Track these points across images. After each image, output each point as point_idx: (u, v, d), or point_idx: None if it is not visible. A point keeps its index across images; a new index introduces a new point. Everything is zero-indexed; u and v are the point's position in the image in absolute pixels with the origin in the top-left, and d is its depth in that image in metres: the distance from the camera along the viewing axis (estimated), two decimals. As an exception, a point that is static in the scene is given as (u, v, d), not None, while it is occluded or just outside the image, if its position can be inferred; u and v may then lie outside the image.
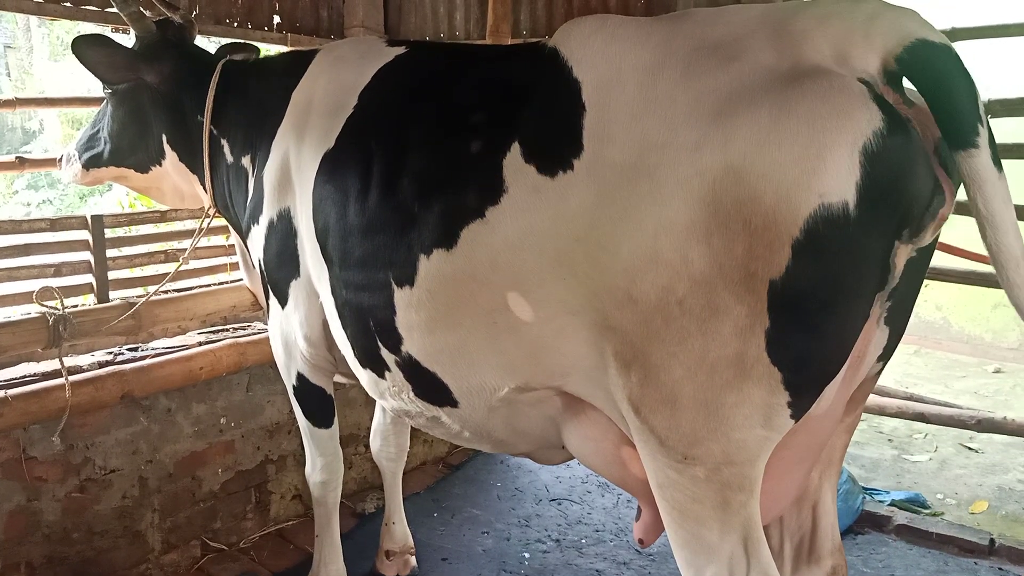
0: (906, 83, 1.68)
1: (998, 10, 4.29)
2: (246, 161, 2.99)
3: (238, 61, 3.23)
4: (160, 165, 3.26)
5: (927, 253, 1.87)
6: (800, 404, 1.76)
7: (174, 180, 3.30)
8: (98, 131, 3.30)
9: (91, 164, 3.33)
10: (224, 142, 3.07)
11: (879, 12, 1.67)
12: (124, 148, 3.26)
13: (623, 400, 1.89)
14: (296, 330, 2.83)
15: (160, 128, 3.19)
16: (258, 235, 2.85)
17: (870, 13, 1.67)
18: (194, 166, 3.21)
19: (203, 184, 3.20)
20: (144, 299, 3.58)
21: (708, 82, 1.73)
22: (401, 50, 2.63)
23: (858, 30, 1.66)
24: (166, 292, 3.97)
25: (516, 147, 1.98)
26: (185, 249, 4.16)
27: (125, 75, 3.10)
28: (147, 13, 3.14)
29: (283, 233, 2.71)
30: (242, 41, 3.65)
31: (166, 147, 3.22)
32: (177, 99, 3.13)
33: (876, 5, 1.70)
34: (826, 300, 1.66)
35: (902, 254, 1.72)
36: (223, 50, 3.42)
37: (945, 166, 1.66)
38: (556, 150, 1.90)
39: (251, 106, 2.99)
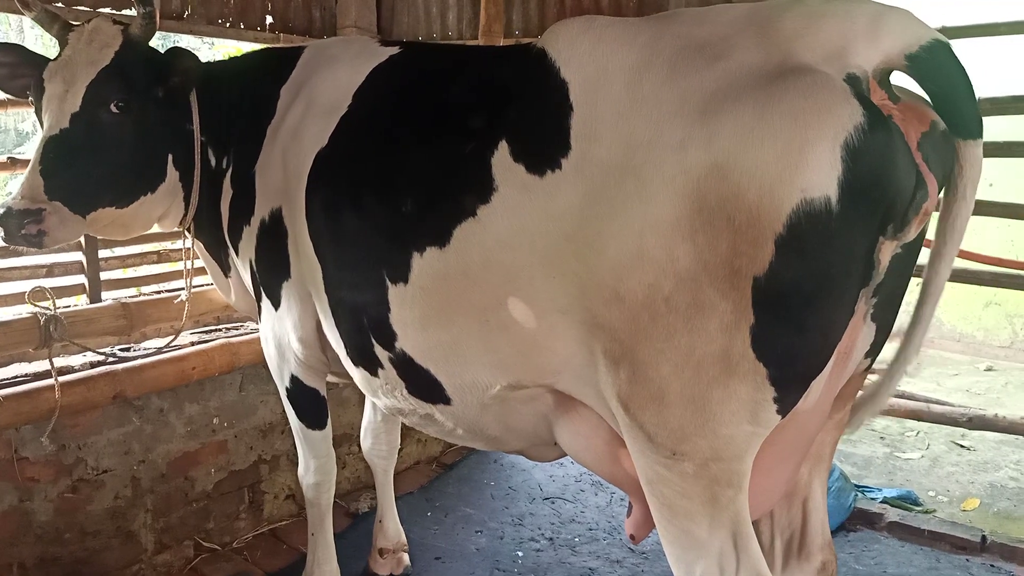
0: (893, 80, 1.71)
1: (987, 9, 4.31)
2: (227, 162, 2.94)
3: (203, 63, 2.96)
4: (153, 192, 2.86)
5: (913, 250, 1.89)
6: (786, 400, 1.78)
7: (156, 207, 2.93)
8: (75, 165, 2.60)
9: (89, 208, 2.68)
10: (209, 149, 2.96)
11: (884, 12, 1.72)
12: (129, 179, 2.78)
13: (612, 397, 1.91)
14: (290, 332, 2.82)
15: (166, 147, 2.86)
16: (248, 237, 2.82)
17: (874, 14, 1.71)
18: (187, 182, 2.96)
19: (187, 200, 2.99)
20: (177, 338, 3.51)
21: (694, 81, 1.75)
22: (395, 50, 2.64)
23: (860, 29, 1.70)
24: (159, 292, 3.97)
25: (505, 146, 2.00)
26: (176, 249, 4.16)
27: (147, 89, 2.73)
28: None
29: (275, 234, 2.70)
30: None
31: (170, 168, 2.89)
32: (175, 110, 2.85)
33: (877, 6, 1.74)
34: (810, 296, 1.67)
35: (887, 250, 1.74)
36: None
37: (928, 161, 1.69)
38: (544, 149, 1.92)
39: (232, 107, 2.93)
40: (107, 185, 2.72)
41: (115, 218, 2.82)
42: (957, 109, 1.71)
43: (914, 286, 1.92)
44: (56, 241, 2.59)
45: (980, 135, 1.70)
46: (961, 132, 1.71)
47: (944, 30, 3.97)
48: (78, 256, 3.71)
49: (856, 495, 4.22)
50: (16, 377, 3.24)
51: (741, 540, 1.88)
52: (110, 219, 2.81)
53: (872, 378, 2.11)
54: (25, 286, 3.33)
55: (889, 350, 2.00)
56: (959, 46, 1.79)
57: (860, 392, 2.17)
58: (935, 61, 1.68)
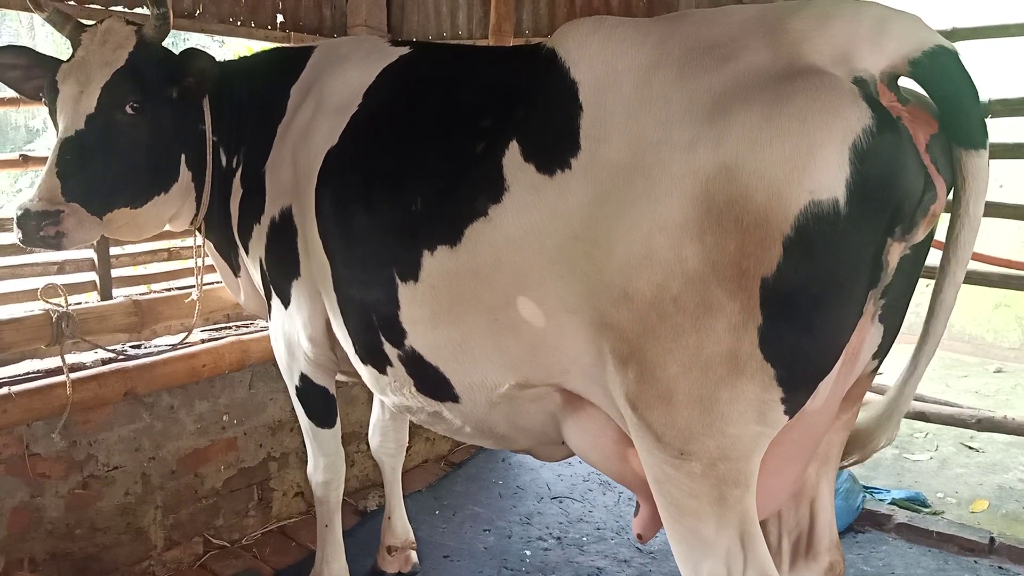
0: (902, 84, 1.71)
1: (998, 10, 4.30)
2: (237, 162, 2.96)
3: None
4: (166, 192, 2.87)
5: (922, 251, 1.89)
6: (794, 400, 1.78)
7: (169, 207, 2.95)
8: (91, 166, 2.60)
9: (105, 209, 2.68)
10: (220, 148, 2.99)
11: (890, 16, 1.71)
12: (143, 180, 2.78)
13: (620, 397, 1.91)
14: (300, 330, 2.83)
15: (179, 147, 2.87)
16: (259, 235, 2.83)
17: (879, 17, 1.71)
18: (199, 181, 2.98)
19: (198, 200, 3.01)
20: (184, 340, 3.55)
21: (703, 82, 1.75)
22: (405, 50, 2.65)
23: (865, 32, 1.69)
24: (169, 290, 3.99)
25: (516, 146, 2.00)
26: (186, 247, 4.20)
27: (161, 89, 2.73)
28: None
29: (285, 232, 2.71)
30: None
31: (183, 168, 2.90)
32: (188, 111, 2.86)
33: (883, 9, 1.73)
34: (818, 297, 1.68)
35: (895, 251, 1.74)
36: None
37: (936, 163, 1.69)
38: (554, 149, 1.93)
39: (243, 106, 2.95)
40: (123, 186, 2.71)
41: (130, 219, 2.82)
42: (960, 117, 1.67)
43: (923, 286, 1.91)
44: (74, 243, 2.59)
45: (984, 145, 1.66)
46: (963, 141, 1.67)
47: (955, 31, 3.96)
48: (89, 253, 3.74)
49: (864, 496, 4.22)
50: (28, 373, 3.26)
51: (748, 540, 1.88)
52: (125, 220, 2.81)
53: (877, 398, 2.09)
54: (37, 283, 3.35)
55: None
56: (969, 47, 1.78)
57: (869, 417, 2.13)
58: (938, 67, 1.66)
